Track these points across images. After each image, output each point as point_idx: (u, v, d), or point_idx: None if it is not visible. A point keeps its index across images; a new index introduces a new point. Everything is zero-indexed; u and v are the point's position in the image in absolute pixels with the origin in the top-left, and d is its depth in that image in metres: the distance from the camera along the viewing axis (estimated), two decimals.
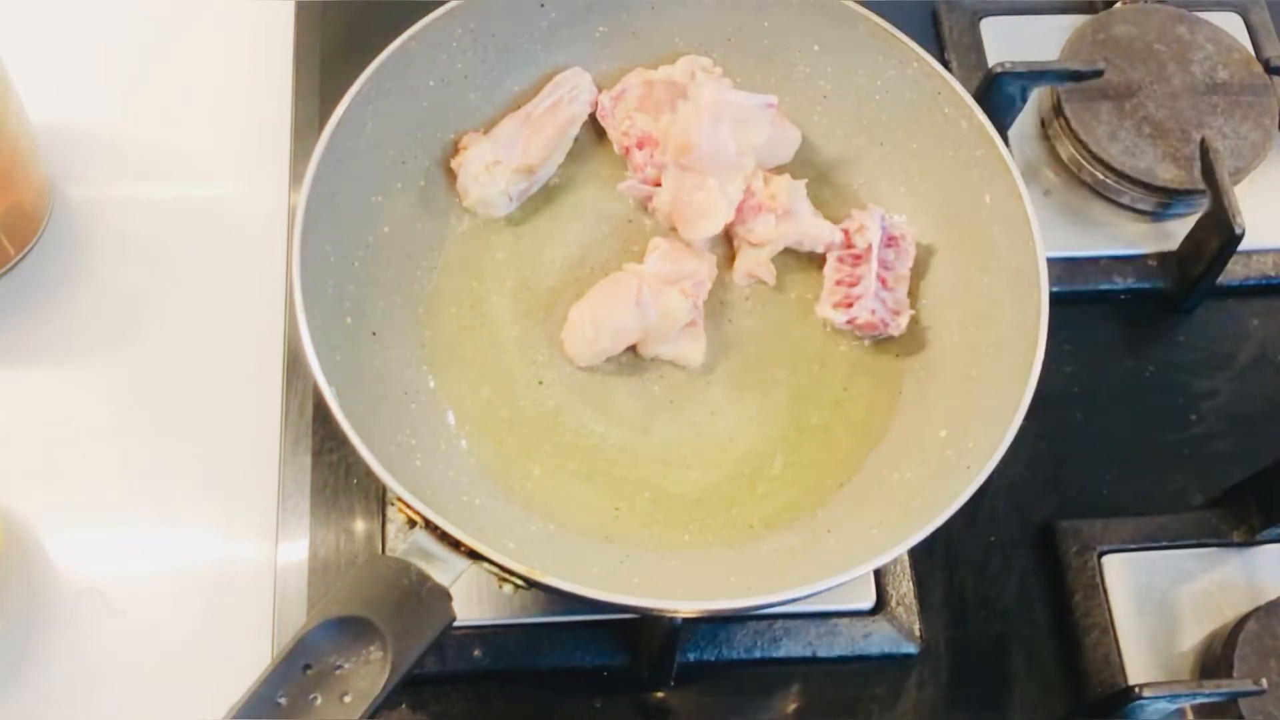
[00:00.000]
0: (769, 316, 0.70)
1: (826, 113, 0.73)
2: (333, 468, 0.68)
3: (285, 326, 0.72)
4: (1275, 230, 0.79)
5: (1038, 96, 0.82)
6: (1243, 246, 0.73)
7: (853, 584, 0.55)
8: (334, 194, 0.64)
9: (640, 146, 0.71)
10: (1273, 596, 0.66)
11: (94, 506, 0.68)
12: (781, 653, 0.65)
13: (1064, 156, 0.81)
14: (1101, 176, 0.79)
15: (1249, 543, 0.69)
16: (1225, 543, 0.70)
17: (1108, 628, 0.67)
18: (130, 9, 0.83)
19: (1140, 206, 0.80)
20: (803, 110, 0.73)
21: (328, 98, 0.73)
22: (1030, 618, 0.68)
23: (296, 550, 0.66)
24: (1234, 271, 0.77)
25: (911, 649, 0.66)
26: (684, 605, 0.55)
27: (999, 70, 0.75)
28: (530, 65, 0.72)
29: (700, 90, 0.69)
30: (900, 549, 0.55)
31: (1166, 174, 0.78)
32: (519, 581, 0.54)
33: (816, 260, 0.71)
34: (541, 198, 0.72)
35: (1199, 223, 0.76)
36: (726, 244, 0.71)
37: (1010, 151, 0.67)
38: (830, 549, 0.60)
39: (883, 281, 0.68)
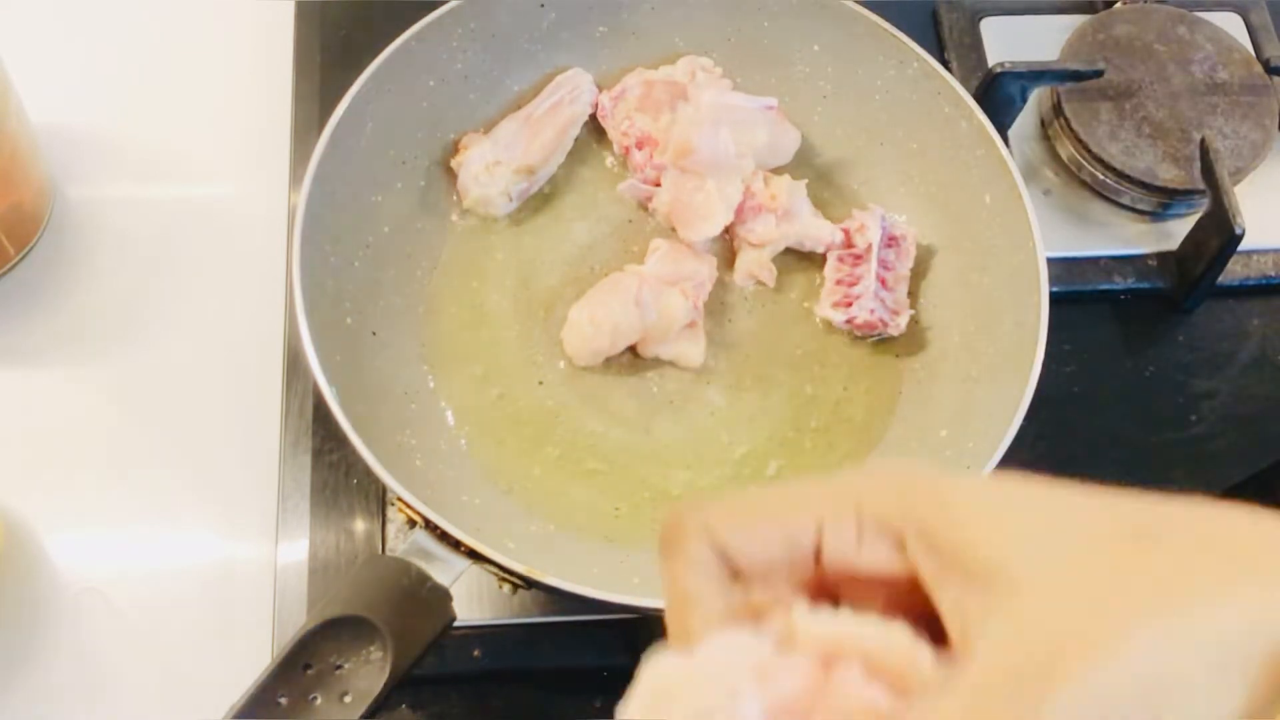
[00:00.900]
0: (769, 316, 0.70)
1: (826, 113, 0.73)
2: (333, 468, 0.68)
3: (285, 326, 0.72)
4: (1275, 230, 0.79)
5: (1038, 96, 0.82)
6: (1243, 246, 0.73)
7: None
8: (334, 194, 0.64)
9: (640, 147, 0.71)
10: None
11: (94, 506, 0.68)
12: None
13: (1064, 156, 0.81)
14: (1101, 176, 0.79)
15: None
16: None
17: None
18: (130, 9, 0.83)
19: (1140, 206, 0.80)
20: (803, 110, 0.73)
21: (328, 98, 0.73)
22: None
23: (296, 550, 0.66)
24: (1234, 271, 0.77)
25: None
26: None
27: (999, 70, 0.75)
28: (530, 65, 0.72)
29: (700, 93, 0.69)
30: None
31: (1166, 174, 0.78)
32: (519, 581, 0.54)
33: (816, 260, 0.71)
34: (542, 198, 0.72)
35: (1199, 223, 0.76)
36: (726, 244, 0.71)
37: (1010, 151, 0.67)
38: None
39: (882, 281, 0.68)
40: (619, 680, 0.66)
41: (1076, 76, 0.79)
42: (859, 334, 0.69)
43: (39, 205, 0.74)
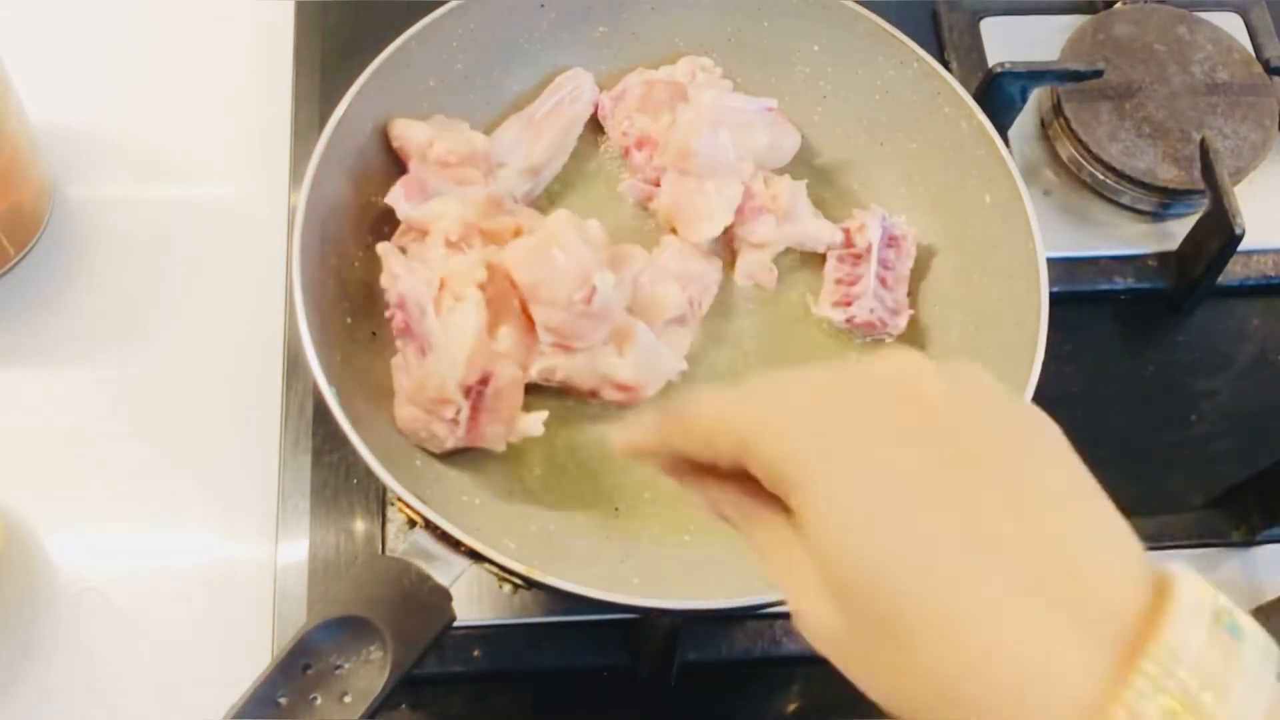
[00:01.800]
0: (769, 316, 0.70)
1: (826, 113, 0.73)
2: (333, 468, 0.68)
3: (285, 326, 0.72)
4: (1275, 230, 0.79)
5: (1038, 96, 0.82)
6: (1243, 246, 0.73)
7: None
8: (334, 194, 0.64)
9: (639, 147, 0.71)
10: (1273, 596, 0.66)
11: (94, 506, 0.68)
12: (781, 653, 0.65)
13: (1064, 156, 0.81)
14: (1101, 176, 0.79)
15: (1249, 543, 0.69)
16: (1225, 543, 0.70)
17: None
18: (130, 9, 0.83)
19: (1140, 206, 0.80)
20: (803, 110, 0.73)
21: (328, 98, 0.73)
22: None
23: (296, 550, 0.66)
24: (1234, 271, 0.77)
25: None
26: (684, 605, 0.55)
27: (999, 70, 0.75)
28: (530, 66, 0.72)
29: (700, 94, 0.69)
30: None
31: (1166, 174, 0.78)
32: (519, 581, 0.55)
33: (817, 260, 0.71)
34: (543, 198, 0.72)
35: (1199, 223, 0.76)
36: (727, 244, 0.71)
37: (1010, 151, 0.67)
38: None
39: (882, 281, 0.68)
40: (619, 680, 0.67)
41: (1076, 76, 0.79)
42: (859, 334, 0.69)
43: (39, 205, 0.74)
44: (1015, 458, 0.35)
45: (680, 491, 0.43)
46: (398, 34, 0.66)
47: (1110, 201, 0.80)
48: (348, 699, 0.50)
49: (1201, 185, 0.76)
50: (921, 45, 0.69)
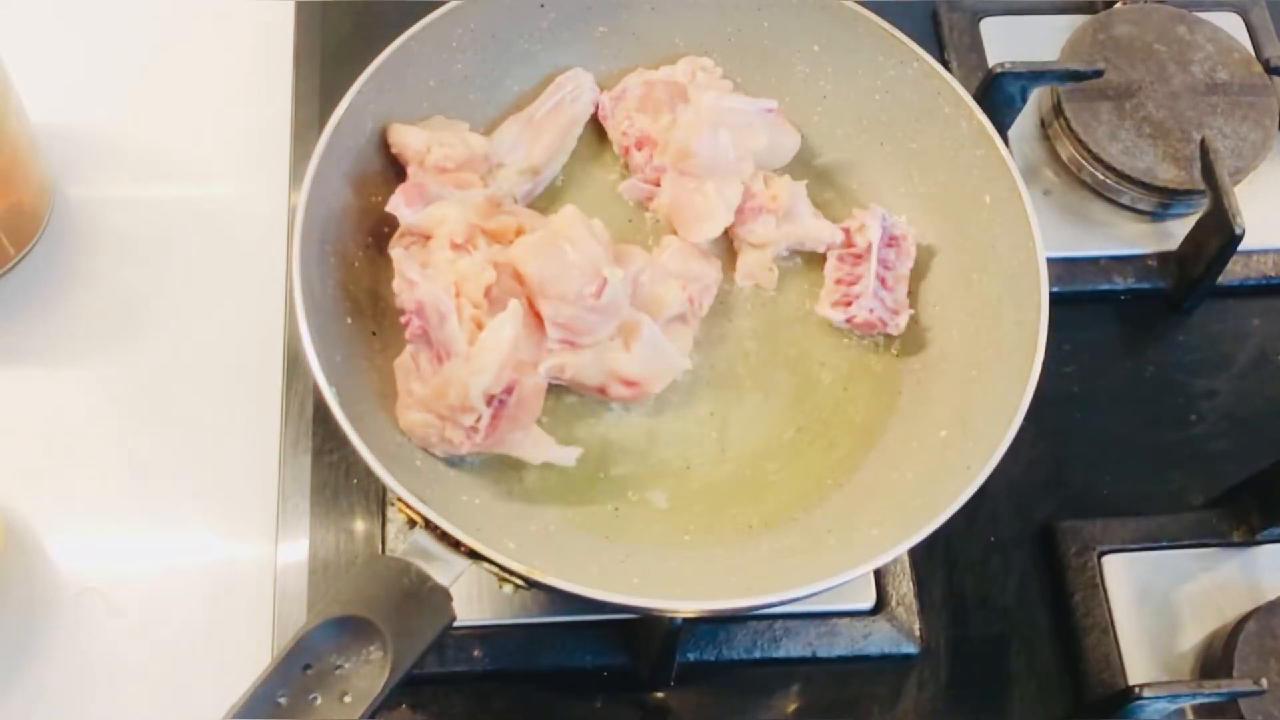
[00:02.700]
0: (769, 316, 0.70)
1: (826, 113, 0.73)
2: (333, 468, 0.68)
3: (285, 326, 0.72)
4: (1275, 230, 0.79)
5: (1038, 96, 0.82)
6: (1243, 246, 0.73)
7: (853, 584, 0.55)
8: (334, 194, 0.64)
9: (639, 147, 0.71)
10: (1273, 596, 0.66)
11: (94, 506, 0.68)
12: (781, 653, 0.65)
13: (1064, 156, 0.81)
14: (1101, 176, 0.79)
15: (1249, 543, 0.69)
16: (1225, 543, 0.70)
17: (1108, 628, 0.67)
18: (130, 9, 0.83)
19: (1140, 206, 0.80)
20: (803, 110, 0.73)
21: (328, 98, 0.73)
22: (1030, 618, 0.68)
23: (296, 550, 0.66)
24: (1234, 271, 0.77)
25: (911, 649, 0.66)
26: (684, 605, 0.55)
27: (999, 70, 0.75)
28: (530, 66, 0.72)
29: (700, 95, 0.69)
30: (900, 549, 0.55)
31: (1166, 174, 0.78)
32: (519, 581, 0.54)
33: (817, 260, 0.71)
34: (544, 198, 0.72)
35: (1199, 223, 0.76)
36: (727, 244, 0.71)
37: (1010, 151, 0.67)
38: (830, 549, 0.60)
39: (882, 281, 0.68)
40: (619, 680, 0.67)
41: (1076, 76, 0.79)
42: (859, 333, 0.69)
43: (39, 205, 0.74)
44: None
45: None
46: (398, 34, 0.66)
47: (1110, 201, 0.80)
48: (348, 699, 0.50)
49: (1201, 185, 0.76)
50: (921, 45, 0.69)
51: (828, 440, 0.66)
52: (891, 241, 0.69)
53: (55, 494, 0.68)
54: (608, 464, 0.65)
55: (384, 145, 0.67)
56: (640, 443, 0.66)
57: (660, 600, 0.55)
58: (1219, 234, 0.73)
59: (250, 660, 0.54)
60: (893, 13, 0.70)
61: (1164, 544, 0.69)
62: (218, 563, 0.67)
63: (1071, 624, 0.67)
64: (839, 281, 0.69)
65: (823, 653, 0.65)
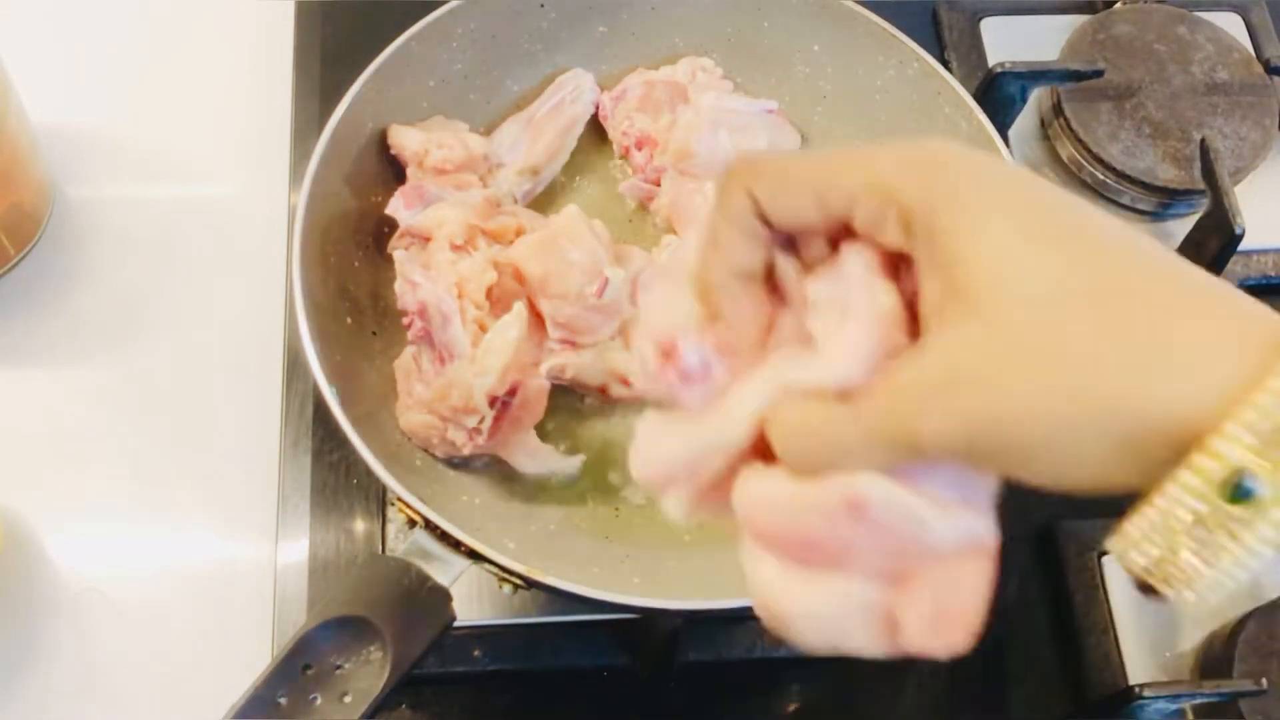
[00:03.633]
0: None
1: (826, 113, 0.73)
2: (333, 468, 0.68)
3: (285, 326, 0.72)
4: (1275, 230, 0.79)
5: (1038, 96, 0.82)
6: (1243, 246, 0.73)
7: None
8: (334, 194, 0.64)
9: (639, 147, 0.71)
10: (1273, 596, 0.66)
11: (94, 506, 0.68)
12: (781, 653, 0.65)
13: (1064, 156, 0.81)
14: (1101, 176, 0.79)
15: None
16: None
17: (1108, 628, 0.67)
18: (130, 9, 0.83)
19: (1140, 206, 0.80)
20: (803, 110, 0.73)
21: (328, 98, 0.73)
22: (1030, 618, 0.68)
23: (296, 550, 0.66)
24: (1234, 271, 0.77)
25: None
26: (684, 605, 0.55)
27: (999, 70, 0.75)
28: (531, 66, 0.72)
29: (700, 95, 0.69)
30: None
31: (1166, 174, 0.78)
32: (519, 581, 0.54)
33: None
34: (544, 198, 0.72)
35: (1199, 223, 0.76)
36: None
37: (1010, 151, 0.67)
38: None
39: None
40: (619, 680, 0.67)
41: (1076, 76, 0.79)
42: None
43: (39, 205, 0.74)
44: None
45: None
46: (398, 34, 0.66)
47: (1110, 201, 0.80)
48: (348, 699, 0.50)
49: (1201, 185, 0.76)
50: (921, 45, 0.69)
51: None
52: None
53: (55, 494, 0.68)
54: (608, 465, 0.65)
55: (384, 145, 0.67)
56: None
57: (660, 600, 0.55)
58: (1219, 234, 0.73)
59: (250, 660, 0.54)
60: (893, 13, 0.70)
61: None
62: (218, 563, 0.67)
63: (1071, 624, 0.67)
64: None
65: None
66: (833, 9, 0.70)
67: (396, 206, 0.64)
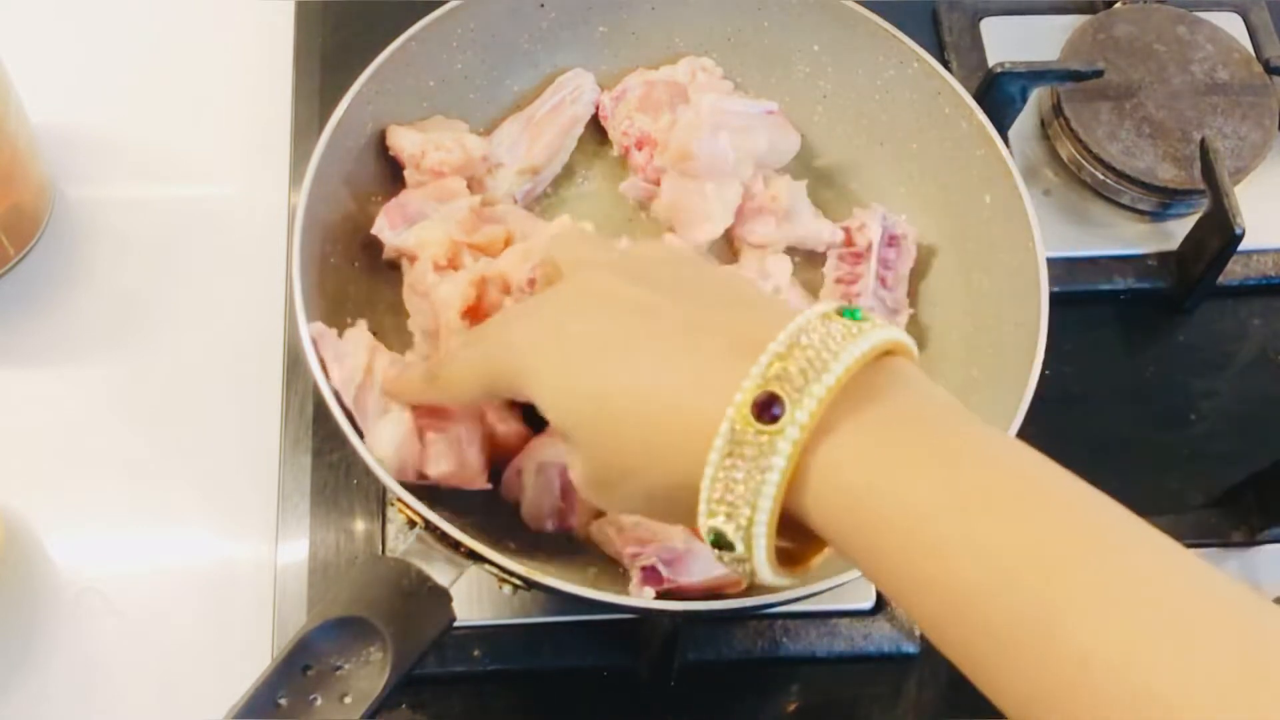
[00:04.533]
0: None
1: (826, 113, 0.73)
2: (333, 468, 0.68)
3: (285, 326, 0.72)
4: (1275, 230, 0.79)
5: (1038, 96, 0.82)
6: (1243, 246, 0.73)
7: (853, 584, 0.54)
8: (334, 194, 0.64)
9: (639, 147, 0.71)
10: (1273, 596, 0.66)
11: (94, 506, 0.68)
12: (781, 653, 0.65)
13: (1064, 156, 0.81)
14: (1101, 176, 0.79)
15: (1249, 543, 0.69)
16: (1225, 543, 0.70)
17: None
18: (130, 9, 0.83)
19: (1140, 206, 0.80)
20: (803, 110, 0.73)
21: (328, 98, 0.73)
22: None
23: (296, 550, 0.66)
24: (1234, 271, 0.77)
25: (911, 649, 0.66)
26: (684, 605, 0.55)
27: (999, 70, 0.75)
28: (530, 65, 0.72)
29: (701, 97, 0.69)
30: None
31: (1166, 174, 0.78)
32: (519, 582, 0.54)
33: (817, 260, 0.71)
34: (544, 198, 0.72)
35: (1199, 223, 0.76)
36: (727, 244, 0.71)
37: (1010, 151, 0.67)
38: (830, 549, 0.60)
39: (882, 280, 0.68)
40: (619, 680, 0.67)
41: (1076, 76, 0.79)
42: None
43: (39, 205, 0.74)
44: (687, 278, 0.46)
45: None
46: (398, 34, 0.66)
47: (1110, 201, 0.80)
48: (348, 700, 0.50)
49: (1201, 185, 0.76)
50: (921, 45, 0.69)
51: None
52: (892, 241, 0.69)
53: (55, 494, 0.68)
54: None
55: (384, 145, 0.67)
56: None
57: (660, 600, 0.55)
58: (1219, 234, 0.73)
59: (250, 660, 0.54)
60: (893, 13, 0.70)
61: None
62: (218, 563, 0.67)
63: None
64: (839, 280, 0.69)
65: (823, 653, 0.65)
66: (833, 9, 0.70)
67: (381, 227, 0.64)
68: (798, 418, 0.37)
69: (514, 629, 0.65)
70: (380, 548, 0.67)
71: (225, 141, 0.79)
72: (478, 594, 0.65)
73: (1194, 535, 0.69)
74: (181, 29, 0.83)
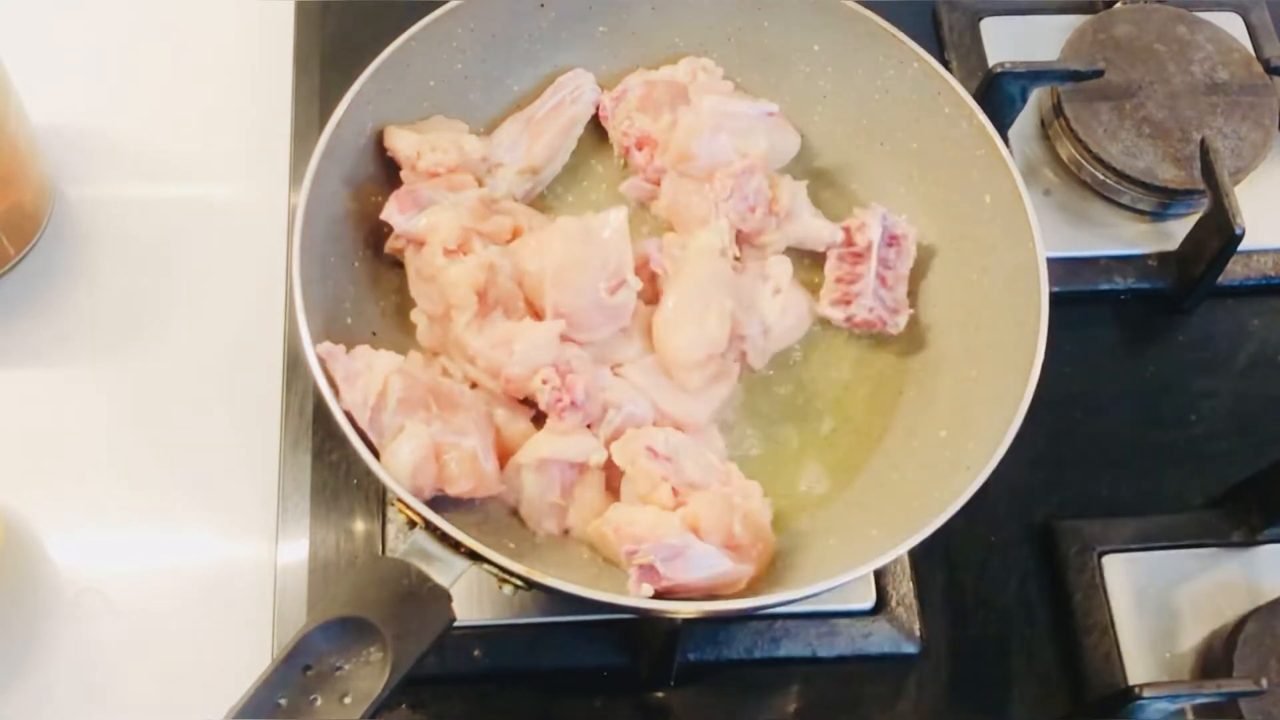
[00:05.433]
0: None
1: (826, 113, 0.73)
2: (333, 468, 0.68)
3: (285, 326, 0.72)
4: (1275, 230, 0.79)
5: (1038, 96, 0.82)
6: (1243, 246, 0.73)
7: (853, 584, 0.55)
8: (334, 194, 0.64)
9: (640, 147, 0.71)
10: (1273, 596, 0.66)
11: (94, 506, 0.68)
12: (781, 653, 0.65)
13: (1064, 156, 0.81)
14: (1101, 176, 0.79)
15: (1249, 543, 0.69)
16: (1225, 543, 0.70)
17: (1108, 628, 0.67)
18: (130, 9, 0.83)
19: (1140, 206, 0.80)
20: (803, 110, 0.73)
21: (328, 98, 0.73)
22: (1030, 618, 0.68)
23: (296, 550, 0.66)
24: (1234, 271, 0.77)
25: (911, 649, 0.66)
26: (684, 605, 0.55)
27: (999, 70, 0.75)
28: (531, 65, 0.72)
29: (701, 98, 0.69)
30: (900, 549, 0.55)
31: (1166, 174, 0.78)
32: (519, 582, 0.54)
33: (818, 260, 0.71)
34: (544, 198, 0.72)
35: (1199, 223, 0.76)
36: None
37: (1010, 151, 0.67)
38: (830, 550, 0.60)
39: (882, 280, 0.68)
40: (619, 680, 0.67)
41: (1076, 76, 0.79)
42: (858, 332, 0.69)
43: (39, 205, 0.74)
44: None
45: None
46: (398, 34, 0.66)
47: (1110, 201, 0.80)
48: (348, 700, 0.50)
49: (1201, 185, 0.76)
50: (921, 45, 0.69)
51: (828, 440, 0.66)
52: (892, 240, 0.69)
53: (55, 494, 0.68)
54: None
55: (384, 145, 0.67)
56: None
57: (660, 600, 0.55)
58: (1219, 234, 0.73)
59: (250, 660, 0.54)
60: (893, 13, 0.70)
61: (1164, 544, 0.69)
62: (217, 563, 0.67)
63: (1071, 624, 0.67)
64: (839, 280, 0.69)
65: (823, 653, 0.65)
66: (833, 9, 0.70)
67: (391, 211, 0.64)
68: None
69: (514, 629, 0.65)
70: (380, 548, 0.67)
71: (225, 141, 0.79)
72: (478, 594, 0.65)
73: (1194, 535, 0.69)
74: (181, 29, 0.83)
